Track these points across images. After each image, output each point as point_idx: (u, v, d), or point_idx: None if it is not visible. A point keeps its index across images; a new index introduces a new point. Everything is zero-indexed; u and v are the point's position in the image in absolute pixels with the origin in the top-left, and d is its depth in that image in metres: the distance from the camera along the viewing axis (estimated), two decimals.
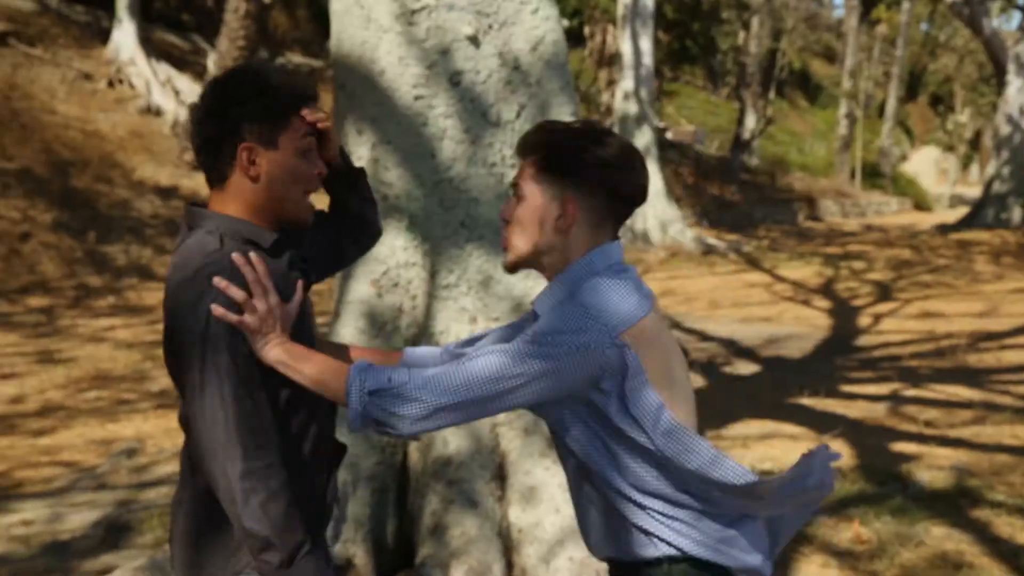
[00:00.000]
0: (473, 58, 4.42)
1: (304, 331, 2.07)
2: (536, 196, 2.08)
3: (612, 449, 2.02)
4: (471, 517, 4.17)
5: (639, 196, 2.10)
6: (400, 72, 4.41)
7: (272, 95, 2.01)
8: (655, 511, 2.04)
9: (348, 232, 2.32)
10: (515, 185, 2.12)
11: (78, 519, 5.24)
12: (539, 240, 2.08)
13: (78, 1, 21.35)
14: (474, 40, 4.41)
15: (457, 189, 4.44)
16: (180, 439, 5.44)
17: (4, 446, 6.74)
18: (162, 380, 8.72)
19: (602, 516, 2.10)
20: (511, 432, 4.34)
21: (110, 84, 19.24)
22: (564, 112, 4.53)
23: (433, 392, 1.93)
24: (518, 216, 2.10)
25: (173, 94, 19.31)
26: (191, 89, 19.21)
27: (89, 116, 18.17)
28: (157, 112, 19.00)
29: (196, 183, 17.42)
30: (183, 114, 18.47)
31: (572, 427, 2.03)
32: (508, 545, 4.20)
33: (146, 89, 19.18)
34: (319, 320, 9.12)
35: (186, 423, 2.00)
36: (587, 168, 2.05)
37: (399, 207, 4.48)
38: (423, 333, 4.47)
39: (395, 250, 4.49)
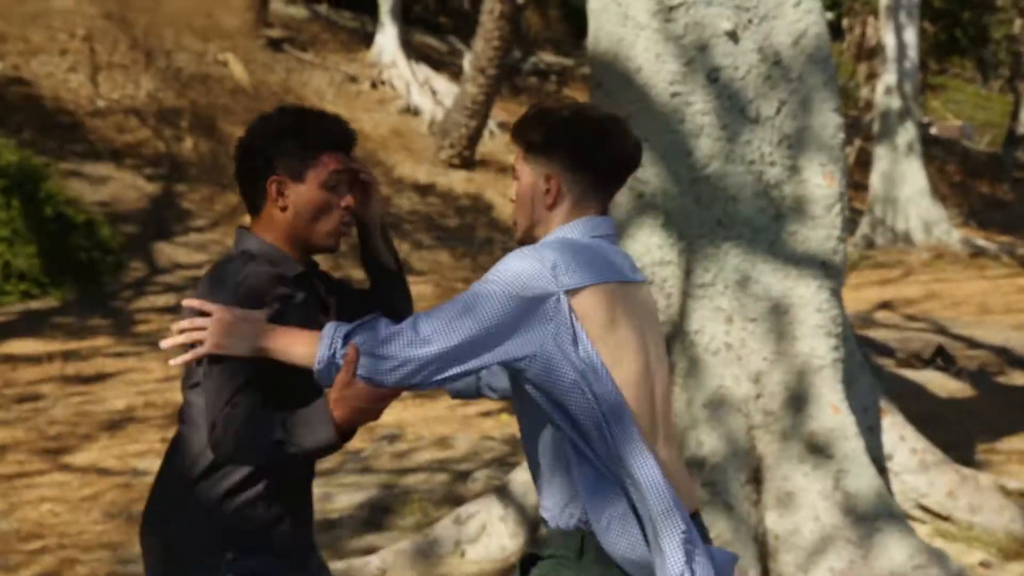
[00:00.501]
0: (732, 53, 4.35)
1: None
2: (526, 175, 2.20)
3: (559, 409, 2.03)
4: (725, 519, 4.12)
5: (621, 169, 2.18)
6: (657, 69, 4.40)
7: (303, 135, 2.23)
8: (586, 477, 2.03)
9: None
10: (513, 168, 2.24)
11: (345, 499, 5.52)
12: (532, 216, 2.19)
13: (346, 7, 22.44)
14: (733, 35, 4.35)
15: (714, 187, 4.39)
16: (439, 428, 5.57)
17: None
18: None
19: (546, 474, 2.11)
20: (768, 436, 4.26)
21: (373, 85, 20.13)
22: (826, 108, 4.40)
23: (406, 343, 1.99)
24: (516, 195, 2.24)
25: (431, 94, 20.00)
26: (447, 89, 19.83)
27: (353, 116, 19.09)
28: (415, 112, 19.73)
29: (452, 181, 18.00)
30: (440, 114, 19.11)
31: (525, 383, 2.05)
32: (763, 551, 4.12)
33: (406, 90, 19.95)
34: None
35: (184, 409, 2.23)
36: (566, 146, 2.14)
37: (654, 204, 4.48)
38: (677, 332, 4.44)
39: (650, 248, 4.48)
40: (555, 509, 2.11)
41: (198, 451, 2.16)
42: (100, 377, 8.61)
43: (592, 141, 2.15)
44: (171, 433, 6.80)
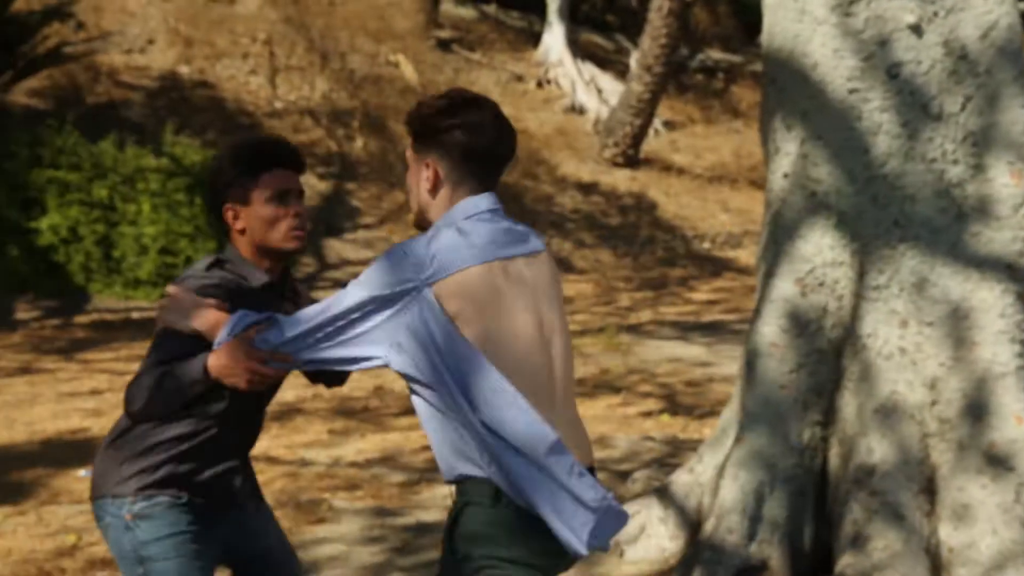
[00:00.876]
0: (914, 48, 4.19)
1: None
2: (412, 164, 2.41)
3: (439, 377, 2.24)
4: (895, 530, 3.97)
5: (494, 152, 2.39)
6: (834, 65, 4.28)
7: (241, 163, 2.60)
8: (467, 436, 2.26)
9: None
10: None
11: None
12: (420, 200, 2.41)
13: (514, 7, 22.62)
14: (916, 29, 4.18)
15: (892, 186, 4.24)
16: (597, 427, 5.47)
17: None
18: (580, 369, 9.06)
19: (435, 438, 2.33)
20: (943, 445, 4.08)
21: (539, 84, 20.23)
22: (1016, 103, 4.18)
23: (290, 326, 2.33)
24: (407, 182, 2.45)
25: (596, 93, 19.97)
26: (613, 88, 19.77)
27: (519, 115, 19.22)
28: (581, 111, 19.73)
29: (615, 179, 17.94)
30: (605, 112, 19.06)
31: (409, 368, 2.27)
32: (936, 564, 3.95)
33: (571, 88, 19.97)
34: (742, 317, 8.92)
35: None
36: (442, 134, 2.34)
37: (828, 204, 4.35)
38: (848, 335, 4.30)
39: (822, 248, 4.35)
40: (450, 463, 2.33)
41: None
42: None
43: (462, 129, 2.35)
44: (338, 425, 6.95)
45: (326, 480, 5.88)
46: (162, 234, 11.70)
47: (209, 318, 2.46)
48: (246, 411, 2.68)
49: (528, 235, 2.46)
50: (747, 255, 16.75)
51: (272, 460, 6.29)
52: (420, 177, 2.40)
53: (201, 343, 2.45)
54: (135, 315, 11.10)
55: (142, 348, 9.83)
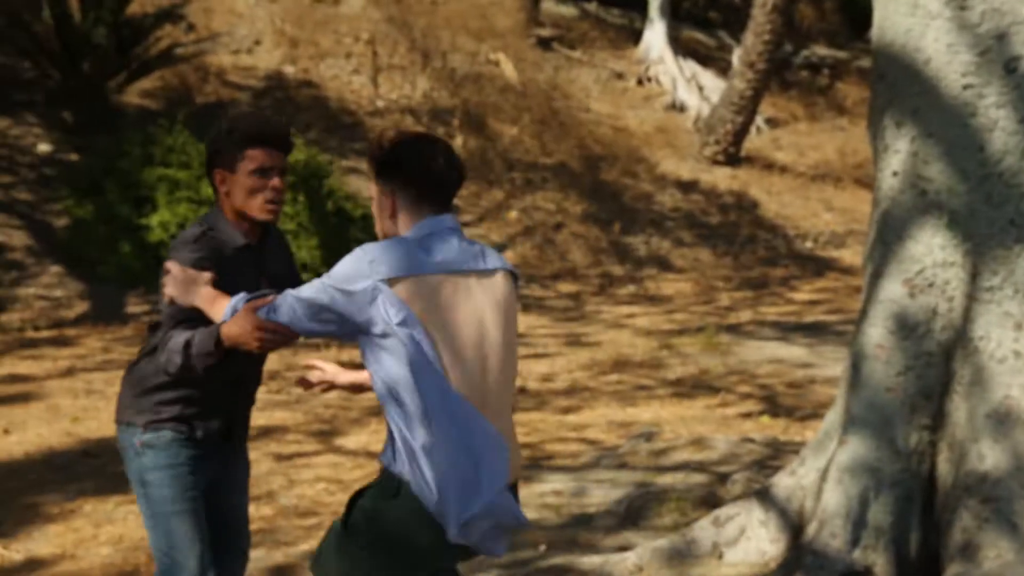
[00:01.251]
0: None
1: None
2: (375, 193, 2.73)
3: (382, 374, 2.58)
4: (1007, 539, 3.84)
5: (445, 180, 2.69)
6: (948, 60, 4.16)
7: (232, 136, 2.98)
8: (398, 427, 2.61)
9: None
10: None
11: (600, 495, 5.52)
12: (383, 226, 2.71)
13: (615, 4, 22.52)
14: None
15: (1007, 184, 4.10)
16: (696, 427, 5.46)
17: (536, 420, 7.29)
18: (678, 369, 8.98)
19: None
20: None
21: (639, 82, 20.10)
22: None
23: (282, 312, 2.64)
24: (373, 210, 2.76)
25: (697, 90, 19.78)
26: (715, 85, 19.55)
27: (619, 113, 19.13)
28: (681, 108, 19.56)
29: (715, 178, 17.74)
30: (706, 110, 18.86)
31: (369, 354, 2.59)
32: None
33: (672, 86, 19.80)
34: (845, 318, 8.75)
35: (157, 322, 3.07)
36: (396, 167, 2.66)
37: (939, 203, 4.22)
38: (959, 338, 4.18)
39: (932, 248, 4.23)
40: (385, 448, 2.69)
41: (144, 355, 3.07)
42: None
43: (412, 163, 2.66)
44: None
45: None
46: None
47: (205, 295, 2.87)
48: (246, 363, 3.07)
49: (483, 254, 2.71)
50: (851, 255, 16.41)
51: (372, 455, 6.36)
52: (382, 204, 2.71)
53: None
54: None
55: None
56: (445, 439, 2.57)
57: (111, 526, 5.12)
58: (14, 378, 8.41)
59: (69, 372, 8.42)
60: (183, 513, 3.06)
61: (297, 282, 3.15)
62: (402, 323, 2.51)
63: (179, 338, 2.83)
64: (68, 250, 11.90)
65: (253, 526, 5.09)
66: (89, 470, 5.85)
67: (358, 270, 2.55)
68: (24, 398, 7.77)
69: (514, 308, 2.74)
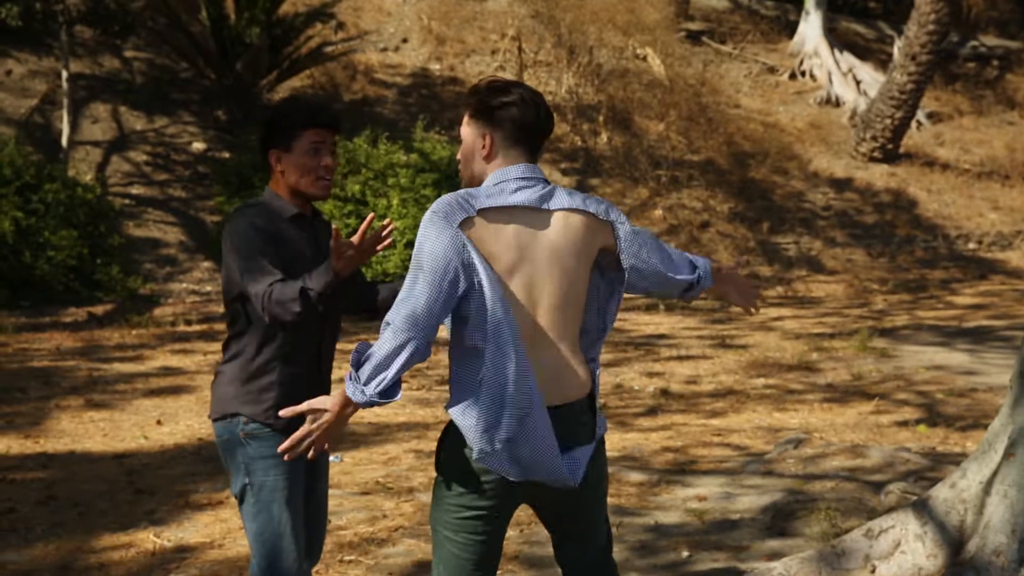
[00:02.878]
0: None
1: (302, 273, 3.02)
2: (469, 136, 2.83)
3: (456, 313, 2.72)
4: None
5: (538, 126, 2.82)
6: None
7: (289, 117, 3.14)
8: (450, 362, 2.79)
9: (352, 307, 3.39)
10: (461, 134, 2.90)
11: (747, 501, 5.32)
12: (474, 168, 2.83)
13: None
14: None
15: None
16: (848, 435, 5.21)
17: (680, 423, 7.11)
18: (830, 373, 8.65)
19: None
20: None
21: (792, 76, 19.59)
22: None
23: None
24: (461, 154, 2.87)
25: (854, 84, 19.15)
26: (873, 78, 18.90)
27: (770, 108, 18.68)
28: (836, 103, 18.98)
29: (871, 175, 17.13)
30: (863, 105, 18.24)
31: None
32: None
33: (827, 80, 19.23)
34: (1012, 324, 8.36)
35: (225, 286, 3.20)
36: (499, 110, 2.78)
37: None
38: None
39: None
40: None
41: (232, 346, 3.18)
42: None
43: (516, 108, 2.79)
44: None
45: None
46: (409, 228, 12.01)
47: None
48: (320, 342, 3.22)
49: (549, 196, 2.79)
50: (1019, 257, 15.65)
51: None
52: (476, 146, 2.82)
53: (274, 249, 3.05)
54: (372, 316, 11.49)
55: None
56: (487, 368, 2.67)
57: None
58: (166, 370, 8.67)
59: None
60: (287, 501, 3.14)
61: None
62: (477, 265, 2.66)
63: (287, 288, 2.93)
64: (218, 247, 12.26)
65: (393, 523, 5.09)
66: None
67: (441, 232, 2.66)
68: (175, 390, 8.00)
69: (580, 245, 2.80)
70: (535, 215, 2.76)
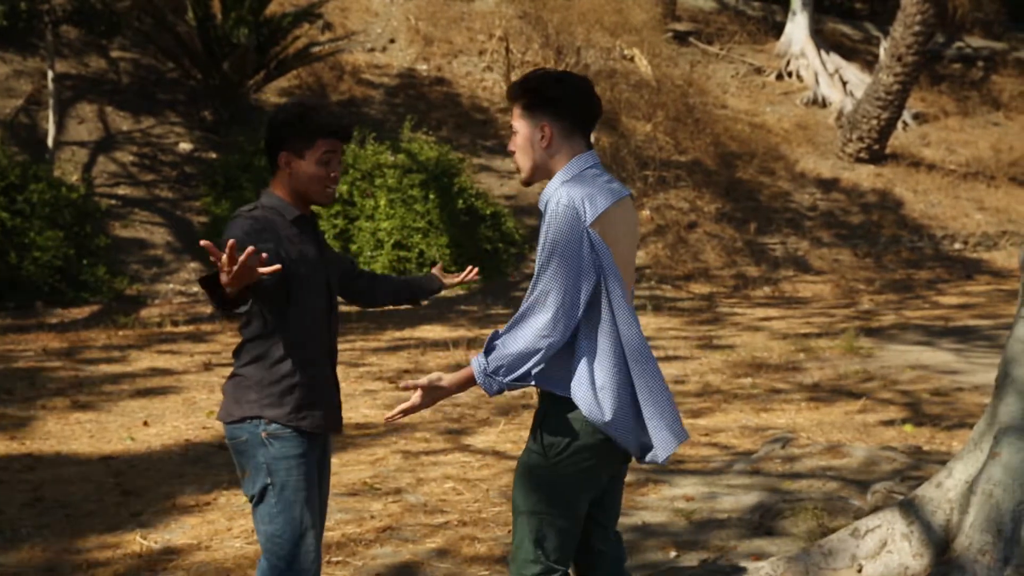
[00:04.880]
0: None
1: (309, 272, 3.18)
2: (524, 129, 2.98)
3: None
4: None
5: (594, 113, 2.99)
6: None
7: (304, 124, 3.15)
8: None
9: (353, 296, 3.60)
10: (511, 125, 3.02)
11: (733, 501, 5.34)
12: (536, 158, 2.98)
13: None
14: None
15: None
16: (834, 434, 5.20)
17: None
18: (816, 373, 8.68)
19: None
20: None
21: (779, 77, 19.64)
22: None
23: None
24: (518, 145, 3.01)
25: (840, 85, 19.21)
26: (859, 79, 18.96)
27: (757, 109, 18.72)
28: (823, 103, 19.03)
29: (858, 176, 17.19)
30: (849, 105, 18.30)
31: None
32: None
33: (814, 80, 19.29)
34: (997, 323, 8.40)
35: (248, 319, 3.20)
36: (556, 101, 2.94)
37: None
38: None
39: None
40: None
41: (250, 349, 3.19)
42: None
43: (572, 97, 2.95)
44: None
45: None
46: (397, 229, 12.01)
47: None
48: (327, 338, 3.28)
49: (620, 184, 3.04)
50: (1004, 257, 15.72)
51: (499, 455, 6.30)
52: (535, 138, 2.96)
53: None
54: (370, 308, 11.47)
55: (376, 339, 10.11)
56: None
57: (244, 519, 5.16)
58: (153, 372, 8.64)
59: (205, 367, 8.61)
60: (307, 501, 3.18)
61: (346, 260, 3.58)
62: (602, 257, 2.89)
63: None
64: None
65: (380, 523, 5.09)
66: (224, 463, 5.93)
67: (574, 226, 2.86)
68: (162, 391, 7.97)
69: (638, 227, 3.13)
70: (626, 201, 3.02)
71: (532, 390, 7.81)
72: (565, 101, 2.94)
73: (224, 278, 2.77)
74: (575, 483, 2.96)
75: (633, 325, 2.93)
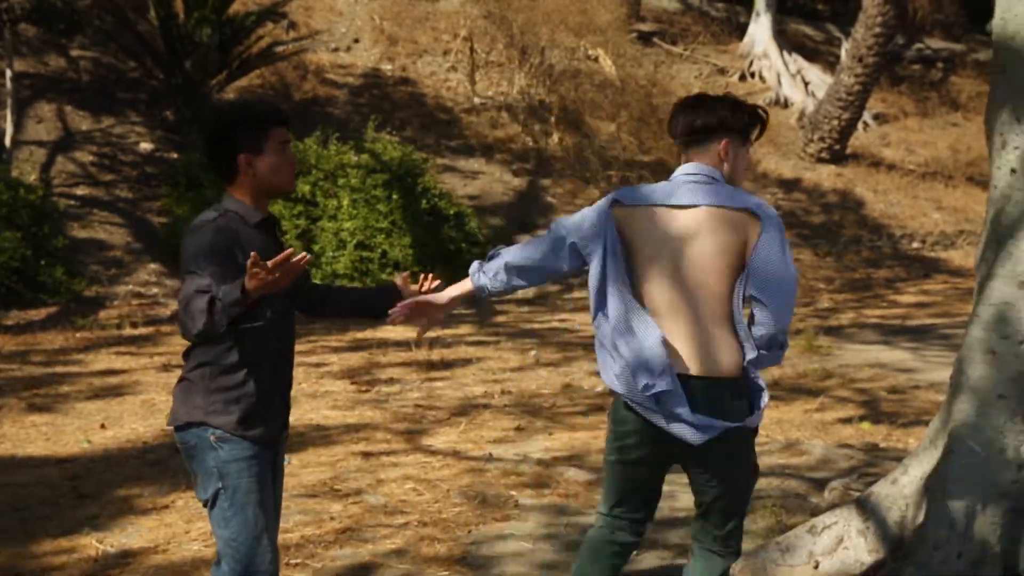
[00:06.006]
0: None
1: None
2: (745, 154, 3.44)
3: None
4: None
5: (676, 131, 3.39)
6: None
7: (255, 119, 3.16)
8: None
9: (304, 307, 3.50)
10: None
11: (690, 498, 5.29)
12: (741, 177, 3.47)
13: None
14: None
15: None
16: (791, 432, 5.18)
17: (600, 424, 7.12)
18: (775, 371, 8.73)
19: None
20: None
21: (742, 77, 19.75)
22: None
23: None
24: (741, 168, 3.44)
25: (802, 85, 19.34)
26: (821, 80, 19.10)
27: None
28: (785, 104, 19.15)
29: (819, 176, 17.31)
30: (811, 106, 18.43)
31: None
32: None
33: (776, 81, 19.41)
34: (953, 322, 8.45)
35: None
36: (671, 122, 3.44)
37: None
38: None
39: None
40: None
41: (198, 354, 3.17)
42: (462, 363, 8.95)
43: (672, 118, 3.42)
44: (525, 422, 6.88)
45: (512, 477, 5.83)
46: (360, 229, 11.95)
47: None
48: (282, 337, 3.27)
49: (689, 193, 3.26)
50: (961, 256, 15.87)
51: (459, 455, 6.29)
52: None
53: (220, 270, 2.98)
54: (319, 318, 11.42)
55: (338, 339, 10.07)
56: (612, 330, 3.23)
57: (202, 522, 5.12)
58: (111, 373, 8.56)
59: (164, 368, 8.54)
60: (260, 503, 3.16)
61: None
62: (614, 240, 3.25)
63: (199, 301, 2.92)
64: (165, 248, 12.11)
65: (340, 524, 5.06)
66: (182, 465, 5.88)
67: (600, 202, 3.33)
68: (120, 393, 7.90)
69: (715, 235, 3.21)
70: (687, 210, 3.32)
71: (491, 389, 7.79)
72: (671, 124, 3.42)
73: (258, 284, 2.85)
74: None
75: (613, 316, 3.22)
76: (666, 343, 3.16)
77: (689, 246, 3.19)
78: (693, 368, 3.16)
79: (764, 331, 3.16)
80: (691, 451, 3.21)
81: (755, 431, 3.33)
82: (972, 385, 4.09)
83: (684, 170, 3.30)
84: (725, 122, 3.32)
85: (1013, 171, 4.16)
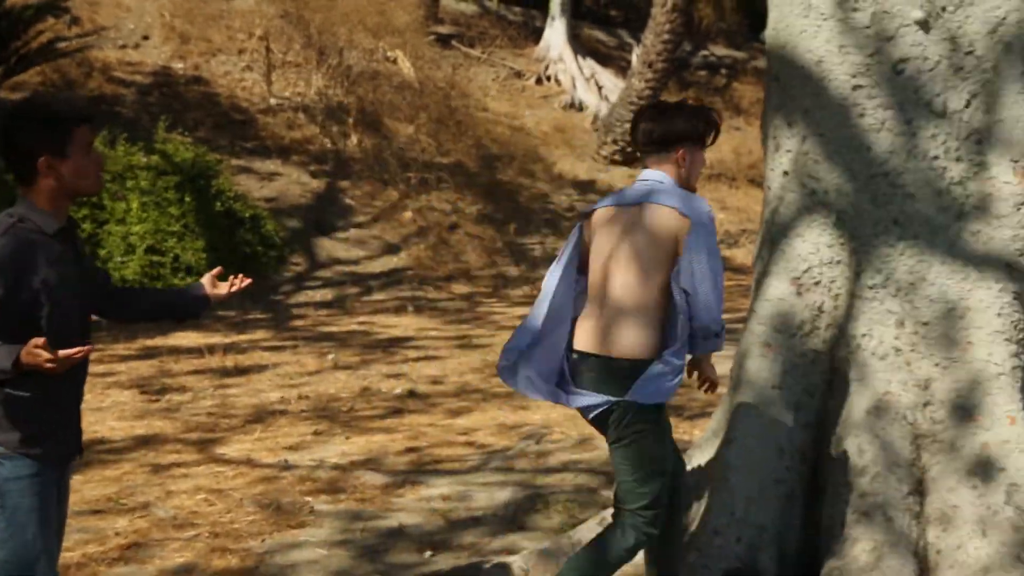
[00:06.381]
0: (921, 44, 4.08)
1: (68, 295, 3.00)
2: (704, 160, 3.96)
3: None
4: (883, 532, 3.85)
5: (643, 143, 3.79)
6: (839, 61, 4.18)
7: (56, 120, 2.94)
8: None
9: (105, 311, 3.32)
10: None
11: (486, 498, 5.41)
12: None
13: (515, 2, 22.46)
14: (924, 24, 4.07)
15: (892, 184, 4.12)
16: (585, 428, 5.33)
17: (423, 423, 7.14)
18: None
19: None
20: (935, 445, 3.98)
21: (538, 81, 20.08)
22: (1021, 100, 4.04)
23: None
24: (697, 173, 3.90)
25: (596, 89, 19.81)
26: (613, 84, 19.61)
27: (517, 112, 19.07)
28: (580, 107, 19.58)
29: (612, 177, 17.79)
30: (604, 109, 18.91)
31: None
32: (924, 567, 3.84)
33: (571, 85, 19.82)
34: (735, 317, 8.82)
35: None
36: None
37: (827, 202, 4.23)
38: (842, 335, 4.19)
39: (819, 247, 4.24)
40: None
41: None
42: (258, 369, 8.76)
43: (633, 127, 3.83)
44: (323, 426, 6.80)
45: (308, 483, 5.74)
46: (150, 233, 11.53)
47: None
48: (77, 367, 3.07)
49: (633, 193, 3.73)
50: (744, 254, 16.60)
51: (253, 463, 6.15)
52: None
53: (6, 294, 2.85)
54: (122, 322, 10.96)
55: (126, 347, 9.68)
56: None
57: None
58: None
59: None
60: (41, 522, 3.00)
61: (100, 273, 3.34)
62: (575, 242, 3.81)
63: None
64: None
65: (125, 540, 4.87)
66: None
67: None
68: None
69: (650, 233, 3.60)
70: (626, 208, 3.79)
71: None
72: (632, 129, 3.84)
73: (34, 365, 2.78)
74: None
75: (559, 293, 3.79)
76: (577, 322, 3.71)
77: (623, 239, 3.63)
78: (589, 346, 3.62)
79: (696, 322, 3.55)
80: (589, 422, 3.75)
81: (654, 408, 3.64)
82: (750, 378, 4.28)
83: (641, 176, 3.72)
84: (681, 132, 3.70)
85: (786, 173, 4.38)
